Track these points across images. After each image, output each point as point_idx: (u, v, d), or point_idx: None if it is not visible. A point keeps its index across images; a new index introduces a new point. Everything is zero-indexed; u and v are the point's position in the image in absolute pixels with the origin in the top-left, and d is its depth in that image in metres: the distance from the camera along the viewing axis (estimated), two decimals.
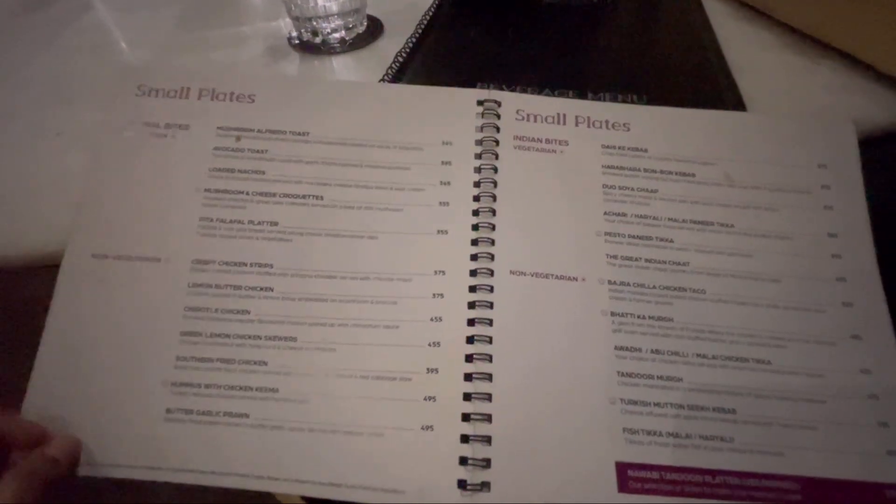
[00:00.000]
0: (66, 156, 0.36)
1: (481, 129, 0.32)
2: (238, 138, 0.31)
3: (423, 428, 0.25)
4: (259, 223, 0.30)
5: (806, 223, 0.29)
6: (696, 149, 0.31)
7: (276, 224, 0.30)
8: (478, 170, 0.31)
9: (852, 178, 0.30)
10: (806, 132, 0.31)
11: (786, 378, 0.26)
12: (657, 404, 0.25)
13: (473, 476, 0.24)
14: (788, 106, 0.36)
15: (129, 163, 0.30)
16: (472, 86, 0.38)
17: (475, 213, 0.30)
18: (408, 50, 0.42)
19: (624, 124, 0.32)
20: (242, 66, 0.44)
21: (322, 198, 0.30)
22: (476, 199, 0.30)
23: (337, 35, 0.44)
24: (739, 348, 0.26)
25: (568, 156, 0.31)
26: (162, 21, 0.50)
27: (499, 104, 0.32)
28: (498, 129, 0.32)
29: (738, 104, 0.35)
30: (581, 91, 0.37)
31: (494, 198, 0.30)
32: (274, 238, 0.29)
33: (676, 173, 0.30)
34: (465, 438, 0.25)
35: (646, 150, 0.31)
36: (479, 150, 0.31)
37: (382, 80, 0.39)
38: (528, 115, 0.32)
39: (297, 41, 0.45)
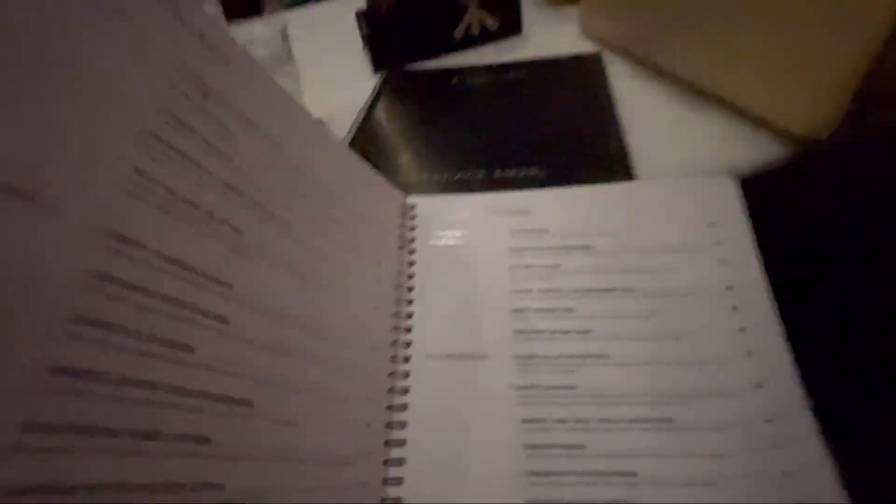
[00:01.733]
0: None
1: (400, 226, 0.34)
2: None
3: None
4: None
5: (703, 279, 0.30)
6: (593, 223, 0.33)
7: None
8: (397, 287, 0.32)
9: (741, 231, 0.31)
10: (694, 193, 0.33)
11: (688, 435, 0.26)
12: (561, 473, 0.25)
13: None
14: (675, 158, 0.37)
15: None
16: (396, 180, 0.40)
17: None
18: None
19: (526, 209, 0.34)
20: None
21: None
22: (396, 287, 0.32)
23: None
24: (642, 409, 0.27)
25: (478, 245, 0.33)
26: None
27: (414, 206, 0.35)
28: (413, 229, 0.34)
29: (626, 169, 0.36)
30: (490, 168, 0.39)
31: (410, 289, 0.31)
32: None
33: (576, 247, 0.32)
34: None
35: (547, 230, 0.33)
36: (400, 243, 0.33)
37: None
38: (441, 214, 0.34)
39: None
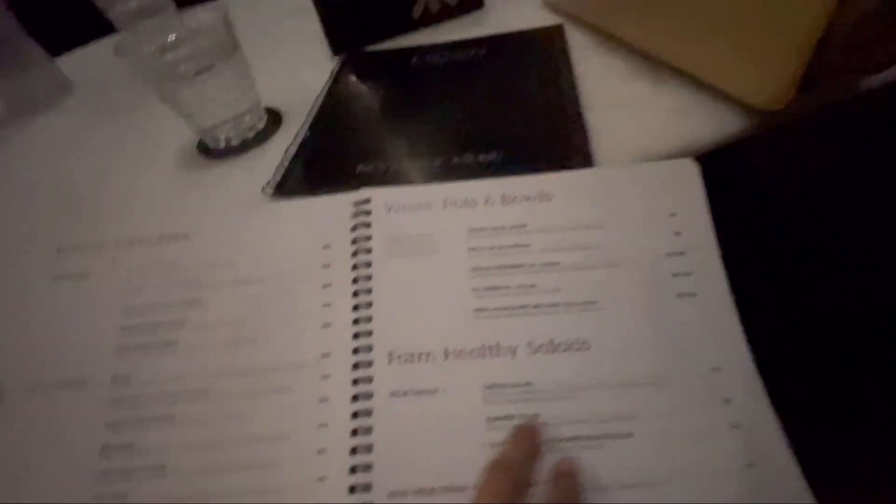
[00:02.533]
0: None
1: (355, 228, 0.33)
2: None
3: None
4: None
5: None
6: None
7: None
8: (355, 280, 0.31)
9: (701, 219, 0.30)
10: (655, 179, 0.32)
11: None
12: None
13: None
14: (636, 135, 0.36)
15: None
16: (355, 168, 0.39)
17: (355, 336, 0.30)
18: (295, 145, 0.43)
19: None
20: (160, 182, 0.45)
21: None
22: (355, 308, 0.30)
23: (237, 138, 0.45)
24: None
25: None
26: (81, 152, 0.52)
27: (368, 200, 0.33)
28: (369, 226, 0.32)
29: (585, 154, 0.35)
30: (448, 155, 0.37)
31: (370, 318, 0.30)
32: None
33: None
34: None
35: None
36: (354, 249, 0.32)
37: (271, 180, 0.39)
38: (397, 207, 0.33)
39: (203, 148, 0.46)
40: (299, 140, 0.43)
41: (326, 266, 0.32)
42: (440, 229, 0.32)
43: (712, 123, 0.35)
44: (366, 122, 0.44)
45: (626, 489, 0.25)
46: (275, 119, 0.48)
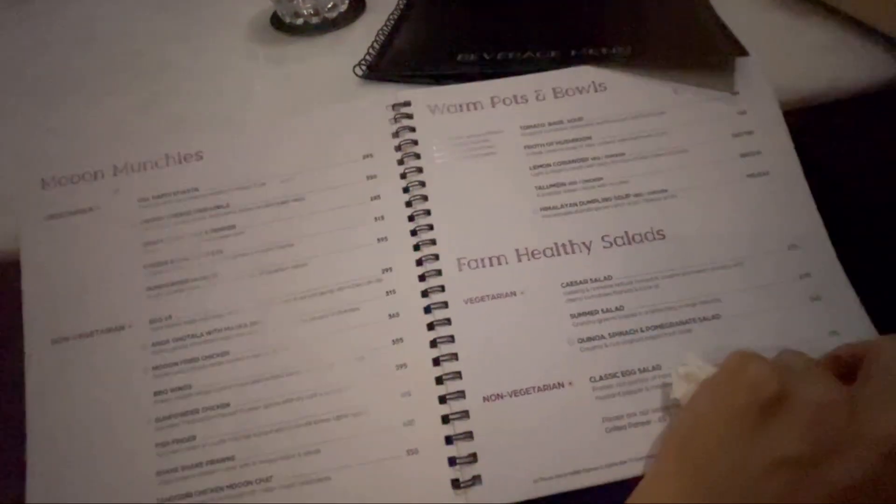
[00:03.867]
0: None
1: (397, 134, 0.29)
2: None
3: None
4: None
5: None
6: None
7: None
8: (406, 189, 0.28)
9: (766, 98, 0.29)
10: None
11: None
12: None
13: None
14: (771, 68, 0.31)
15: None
16: (455, 57, 0.34)
17: (416, 247, 0.27)
18: (388, 26, 0.37)
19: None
20: (226, 52, 0.40)
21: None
22: (411, 219, 0.27)
23: (318, 15, 0.40)
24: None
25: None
26: (146, 7, 0.47)
27: (409, 104, 0.30)
28: (414, 130, 0.29)
29: (736, 48, 0.31)
30: (564, 47, 0.33)
31: (430, 227, 0.27)
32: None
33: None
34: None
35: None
36: (400, 156, 0.29)
37: (364, 59, 0.35)
38: (442, 108, 0.30)
39: (280, 23, 0.41)
40: (392, 22, 0.38)
41: (372, 177, 0.28)
42: (492, 129, 0.29)
43: (862, 65, 0.30)
44: (463, 13, 0.39)
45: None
46: (356, 5, 0.42)
